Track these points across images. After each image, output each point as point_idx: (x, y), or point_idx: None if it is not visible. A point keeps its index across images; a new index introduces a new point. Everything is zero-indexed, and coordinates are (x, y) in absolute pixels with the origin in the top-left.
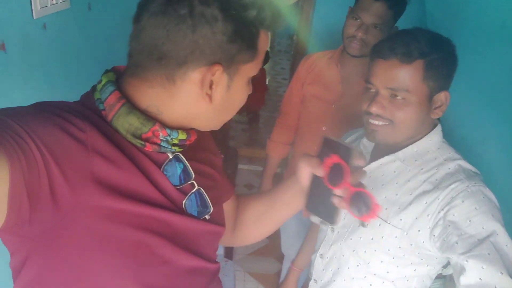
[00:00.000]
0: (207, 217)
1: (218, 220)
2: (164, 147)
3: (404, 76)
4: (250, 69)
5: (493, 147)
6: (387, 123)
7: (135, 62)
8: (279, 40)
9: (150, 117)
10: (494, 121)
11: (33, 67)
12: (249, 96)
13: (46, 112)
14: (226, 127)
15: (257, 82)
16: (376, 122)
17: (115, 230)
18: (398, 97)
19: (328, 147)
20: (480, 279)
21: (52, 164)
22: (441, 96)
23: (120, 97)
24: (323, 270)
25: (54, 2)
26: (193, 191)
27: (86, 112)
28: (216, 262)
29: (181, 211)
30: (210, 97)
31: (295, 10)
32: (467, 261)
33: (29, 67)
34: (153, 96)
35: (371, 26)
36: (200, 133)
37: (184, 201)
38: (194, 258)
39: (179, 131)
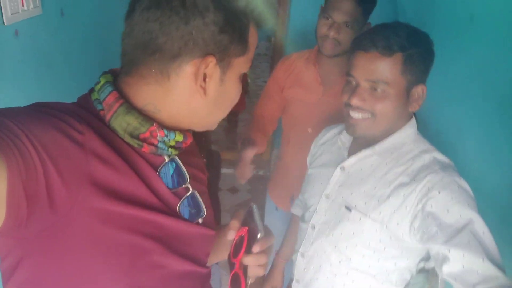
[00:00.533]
0: (200, 220)
1: (210, 224)
2: (161, 148)
3: (384, 68)
4: (242, 64)
5: (467, 139)
6: (367, 115)
7: (129, 58)
8: (257, 43)
9: (148, 117)
10: (467, 113)
11: (4, 74)
12: None
13: (44, 113)
14: (208, 130)
15: None
16: (357, 115)
17: (110, 232)
18: (378, 90)
19: (249, 217)
20: (463, 266)
21: (49, 166)
22: (418, 90)
23: (118, 97)
24: (304, 269)
25: (25, 8)
26: (187, 194)
27: (83, 114)
28: (207, 267)
29: (175, 215)
30: (204, 90)
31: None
32: (449, 250)
33: (1, 74)
34: (149, 93)
35: (343, 25)
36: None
37: (178, 205)
38: (186, 262)
39: (176, 132)
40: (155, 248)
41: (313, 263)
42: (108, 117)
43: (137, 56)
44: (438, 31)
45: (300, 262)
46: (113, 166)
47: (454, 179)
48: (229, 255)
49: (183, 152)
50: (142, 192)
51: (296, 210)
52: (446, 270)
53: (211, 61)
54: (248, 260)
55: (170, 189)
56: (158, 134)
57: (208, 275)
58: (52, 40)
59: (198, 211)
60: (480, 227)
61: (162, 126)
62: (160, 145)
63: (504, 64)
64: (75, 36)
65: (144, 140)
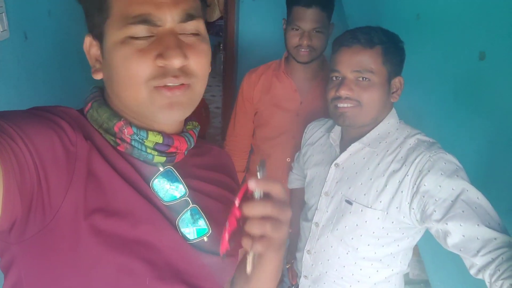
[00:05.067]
0: (205, 238)
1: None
2: (138, 149)
3: (368, 59)
4: (113, 26)
5: (427, 125)
6: (354, 104)
7: None
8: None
9: (118, 113)
10: (425, 102)
11: None
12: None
13: (40, 116)
14: None
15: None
16: (345, 105)
17: (98, 250)
18: (364, 79)
19: None
20: (463, 235)
21: (40, 170)
22: (396, 81)
23: (96, 95)
24: (312, 265)
25: None
26: (187, 209)
27: (78, 118)
28: None
29: (173, 232)
30: (96, 70)
31: (218, 30)
32: (446, 223)
33: None
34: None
35: (312, 31)
36: (219, 156)
37: (177, 220)
38: None
39: (150, 132)
40: (148, 271)
41: (321, 258)
42: (85, 111)
43: None
44: (390, 28)
45: (307, 259)
46: (105, 180)
47: (440, 155)
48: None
49: (202, 166)
50: (136, 203)
51: (293, 184)
52: (450, 243)
53: (89, 40)
54: (249, 209)
55: (164, 202)
56: (126, 131)
57: None
58: (17, 63)
59: (201, 229)
60: (473, 193)
61: (133, 124)
62: (135, 144)
63: (451, 59)
64: (38, 59)
65: (119, 138)
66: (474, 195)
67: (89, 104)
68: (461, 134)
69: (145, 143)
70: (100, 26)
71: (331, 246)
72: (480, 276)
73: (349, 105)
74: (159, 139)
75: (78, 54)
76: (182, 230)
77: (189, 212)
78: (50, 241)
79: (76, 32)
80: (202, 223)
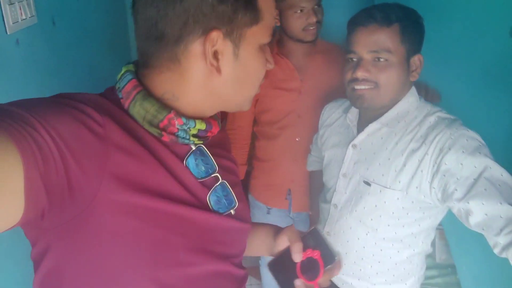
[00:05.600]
0: (232, 212)
1: (243, 217)
2: (182, 137)
3: (385, 38)
4: (258, 34)
5: (454, 103)
6: (372, 86)
7: (140, 51)
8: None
9: (166, 105)
10: (453, 81)
11: (6, 82)
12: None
13: (64, 104)
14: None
15: None
16: (362, 87)
17: (134, 225)
18: (381, 60)
19: (314, 239)
20: (486, 214)
21: (69, 158)
22: (416, 60)
23: (136, 85)
24: None
25: (24, 17)
26: (217, 184)
27: (105, 104)
28: (243, 268)
29: (205, 207)
30: (217, 69)
31: None
32: (468, 202)
33: (3, 82)
34: (165, 82)
35: (316, 7)
36: (222, 134)
37: (208, 196)
38: (219, 261)
39: (197, 120)
40: (181, 244)
41: (340, 240)
42: (126, 104)
43: (145, 46)
44: (416, 5)
45: None
46: (136, 157)
47: (462, 132)
48: (287, 272)
49: (212, 144)
50: (168, 183)
51: (312, 166)
52: (472, 221)
53: (217, 36)
54: (324, 281)
55: (197, 179)
56: (177, 122)
57: (243, 278)
58: (47, 48)
59: (230, 202)
60: (497, 170)
61: (181, 114)
62: (180, 133)
63: (480, 35)
64: (66, 44)
65: (163, 129)
66: (498, 172)
67: (132, 95)
68: (490, 114)
69: (190, 131)
70: (241, 28)
71: (350, 228)
72: (504, 255)
73: (366, 87)
74: (203, 126)
75: (105, 39)
76: (213, 204)
77: (219, 187)
78: (89, 224)
79: (103, 18)
80: (230, 197)
